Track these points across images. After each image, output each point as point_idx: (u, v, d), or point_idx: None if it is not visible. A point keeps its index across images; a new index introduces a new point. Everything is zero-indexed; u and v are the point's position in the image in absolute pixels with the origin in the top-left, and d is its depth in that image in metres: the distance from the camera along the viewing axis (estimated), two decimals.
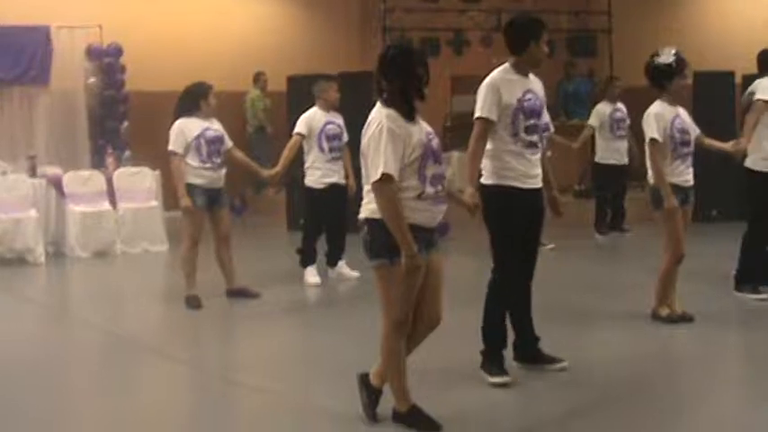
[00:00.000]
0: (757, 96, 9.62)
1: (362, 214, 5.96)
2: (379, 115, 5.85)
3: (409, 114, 5.90)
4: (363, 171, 5.97)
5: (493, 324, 7.19)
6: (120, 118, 16.55)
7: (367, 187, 5.93)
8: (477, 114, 7.01)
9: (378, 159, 5.72)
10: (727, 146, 9.19)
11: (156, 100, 15.61)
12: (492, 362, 7.14)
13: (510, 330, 7.41)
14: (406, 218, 5.77)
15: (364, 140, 5.86)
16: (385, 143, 5.72)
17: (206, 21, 18.40)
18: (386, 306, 5.98)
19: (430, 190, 5.91)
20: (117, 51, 16.51)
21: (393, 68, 5.95)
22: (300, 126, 10.85)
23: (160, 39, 17.51)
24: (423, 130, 5.96)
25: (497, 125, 6.98)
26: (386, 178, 5.70)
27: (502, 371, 7.09)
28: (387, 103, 5.89)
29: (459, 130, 13.36)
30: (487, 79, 7.05)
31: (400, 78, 5.91)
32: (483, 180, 7.08)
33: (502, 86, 7.00)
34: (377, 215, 5.82)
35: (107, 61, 16.51)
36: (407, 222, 5.76)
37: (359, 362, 6.62)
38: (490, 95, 6.96)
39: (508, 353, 7.39)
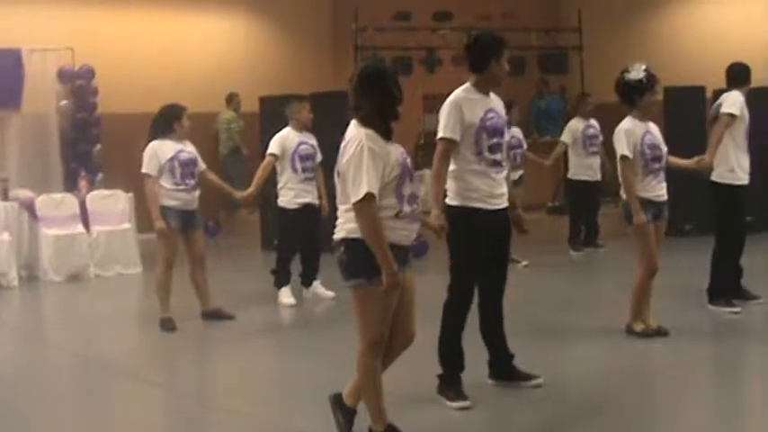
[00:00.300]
0: (723, 110, 9.69)
1: (338, 234, 5.94)
2: (358, 134, 5.83)
3: (387, 134, 5.91)
4: (339, 191, 5.95)
5: (450, 347, 7.15)
6: (93, 140, 16.50)
7: (343, 207, 5.92)
8: (440, 134, 7.00)
9: (359, 179, 5.70)
10: (691, 163, 9.26)
11: (129, 122, 15.62)
12: (449, 386, 7.09)
13: (483, 349, 7.40)
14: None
15: (343, 160, 5.83)
16: (366, 162, 5.71)
17: (177, 42, 18.39)
18: (362, 326, 5.97)
19: (407, 209, 5.90)
20: (89, 74, 16.48)
21: (371, 88, 5.93)
22: (274, 146, 10.84)
23: (132, 61, 17.48)
24: (398, 149, 5.97)
25: (461, 145, 6.96)
26: (368, 197, 5.68)
27: (460, 395, 7.03)
28: (364, 123, 5.88)
29: (432, 149, 13.29)
30: (450, 98, 7.03)
31: (378, 98, 5.91)
32: (448, 201, 7.05)
33: (464, 105, 6.97)
34: (353, 235, 5.81)
35: (79, 84, 16.48)
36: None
37: (335, 383, 6.60)
38: (453, 115, 6.94)
39: (482, 371, 7.39)
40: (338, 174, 5.93)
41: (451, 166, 7.02)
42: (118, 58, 17.14)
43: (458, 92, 7.06)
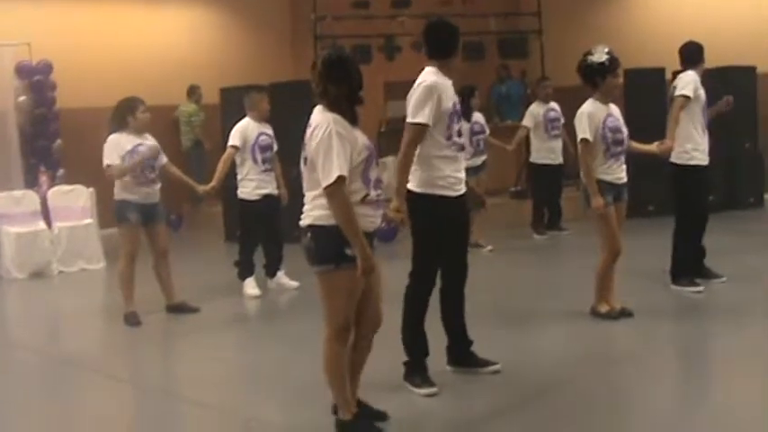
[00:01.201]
0: (677, 92, 9.80)
1: (305, 221, 5.93)
2: (325, 119, 5.81)
3: (353, 118, 5.91)
4: (306, 177, 5.94)
5: (413, 332, 7.16)
6: (52, 136, 16.37)
7: (310, 194, 5.91)
8: (414, 120, 6.88)
9: (330, 163, 5.69)
10: (653, 147, 9.30)
11: (89, 116, 15.54)
12: (416, 372, 7.11)
13: (443, 335, 7.42)
14: None
15: (312, 145, 5.81)
16: (336, 146, 5.70)
17: (137, 35, 18.29)
18: (328, 312, 5.96)
19: (373, 193, 5.92)
20: (47, 69, 16.34)
21: (336, 73, 5.93)
22: (234, 138, 10.80)
23: (91, 55, 17.37)
24: (363, 134, 5.98)
25: (433, 130, 6.91)
26: (340, 180, 5.68)
27: (426, 381, 7.06)
28: (331, 108, 5.87)
29: (394, 135, 13.34)
30: (426, 83, 6.91)
31: (343, 83, 5.91)
32: (412, 188, 6.98)
33: (441, 90, 6.93)
34: (321, 222, 5.81)
35: (37, 79, 16.33)
36: None
37: (303, 373, 6.61)
38: (430, 99, 6.86)
39: (441, 357, 7.39)
40: (305, 160, 5.92)
41: (417, 152, 6.97)
42: (76, 52, 17.03)
43: (431, 76, 6.97)
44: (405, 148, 6.91)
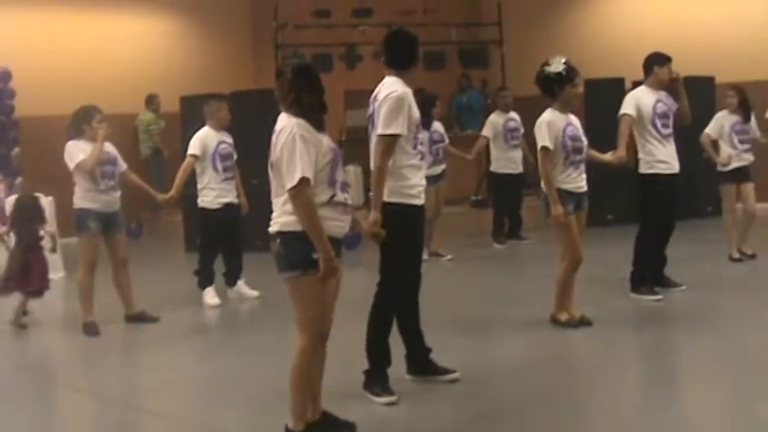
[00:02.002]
0: (622, 111, 9.98)
1: (273, 227, 5.92)
2: (289, 123, 5.83)
3: (320, 125, 5.93)
4: (273, 183, 5.94)
5: (379, 342, 7.15)
6: (11, 144, 16.26)
7: (278, 200, 5.91)
8: (388, 131, 6.85)
9: (293, 165, 5.70)
10: (608, 156, 9.40)
11: (48, 124, 15.36)
12: (376, 381, 7.09)
13: (401, 343, 7.41)
14: None
15: (276, 149, 5.83)
16: (300, 149, 5.71)
17: (96, 43, 18.20)
18: (305, 320, 5.94)
19: (340, 195, 5.93)
20: (6, 76, 16.26)
21: (304, 81, 5.96)
22: (194, 147, 10.76)
23: (50, 62, 17.28)
24: (328, 138, 6.00)
25: (402, 140, 6.92)
26: (303, 182, 5.69)
27: (386, 390, 7.04)
28: (297, 115, 5.88)
29: (354, 144, 13.36)
30: (399, 93, 6.89)
31: (311, 90, 5.94)
32: (384, 198, 6.95)
33: (411, 101, 6.96)
34: (289, 228, 5.81)
35: None
36: None
37: (263, 382, 6.58)
38: (403, 110, 6.87)
39: (400, 366, 7.39)
40: (272, 165, 5.92)
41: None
42: (35, 60, 16.93)
43: (400, 87, 6.97)
44: (379, 160, 6.89)
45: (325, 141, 5.92)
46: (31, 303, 10.62)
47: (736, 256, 11.99)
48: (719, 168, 11.98)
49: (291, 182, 5.71)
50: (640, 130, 9.97)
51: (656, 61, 10.11)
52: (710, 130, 12.11)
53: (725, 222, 12.18)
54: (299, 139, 5.74)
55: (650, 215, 10.11)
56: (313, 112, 5.92)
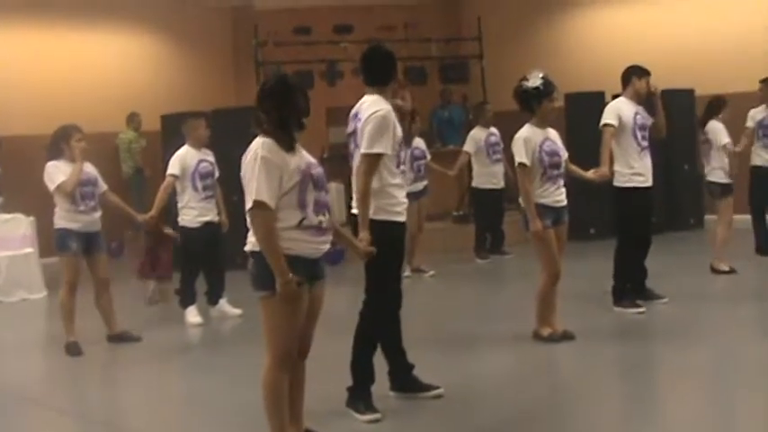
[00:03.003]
0: (601, 122, 10.01)
1: (248, 247, 5.91)
2: (255, 145, 5.83)
3: (289, 145, 5.89)
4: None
5: (363, 359, 7.14)
6: None
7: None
8: (373, 150, 6.85)
9: (251, 187, 5.71)
10: (589, 174, 9.42)
11: (29, 144, 15.32)
12: (359, 398, 7.08)
13: (383, 360, 7.40)
14: (288, 249, 5.74)
15: (243, 170, 5.84)
16: (258, 171, 5.70)
17: (76, 61, 18.15)
18: (269, 339, 5.92)
19: (312, 218, 5.88)
20: None
21: (272, 100, 5.93)
22: (173, 167, 10.72)
23: (31, 82, 17.22)
24: (303, 158, 5.94)
25: (386, 158, 6.92)
26: (258, 205, 5.69)
27: (369, 407, 7.03)
28: (266, 134, 5.87)
29: (336, 161, 13.37)
30: (382, 113, 6.90)
31: (278, 110, 5.90)
32: (372, 215, 6.94)
33: (393, 119, 6.96)
34: (259, 247, 5.80)
35: None
36: (289, 253, 5.74)
37: (247, 401, 6.55)
38: (387, 129, 6.87)
39: (383, 383, 7.38)
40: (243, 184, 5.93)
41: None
42: (16, 79, 16.88)
43: (383, 104, 6.98)
44: (363, 178, 6.90)
45: (294, 162, 5.86)
46: (12, 324, 10.56)
47: (726, 268, 11.94)
48: (728, 180, 11.95)
49: (248, 204, 5.74)
50: (621, 140, 9.99)
51: (635, 73, 10.16)
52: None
53: (722, 236, 12.06)
54: (260, 160, 5.73)
55: (627, 228, 10.15)
56: (278, 132, 5.88)
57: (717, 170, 11.92)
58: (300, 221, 5.85)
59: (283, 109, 5.93)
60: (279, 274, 5.68)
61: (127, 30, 19.15)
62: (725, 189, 11.95)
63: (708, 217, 16.10)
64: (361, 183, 6.92)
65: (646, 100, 10.20)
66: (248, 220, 5.84)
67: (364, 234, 6.80)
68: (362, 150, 6.92)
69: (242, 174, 5.85)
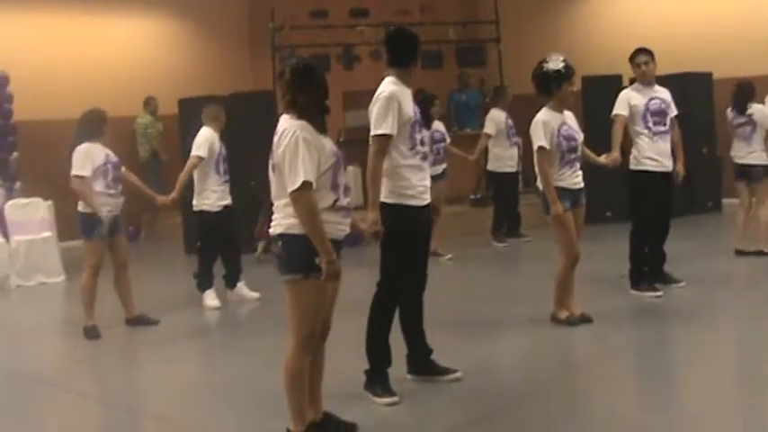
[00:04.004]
0: (614, 112, 10.08)
1: (276, 229, 5.91)
2: (291, 126, 5.80)
3: (322, 127, 5.91)
4: (275, 185, 5.92)
5: (378, 342, 7.14)
6: (9, 149, 16.23)
7: (279, 202, 5.89)
8: (378, 131, 6.87)
9: (296, 168, 5.69)
10: (601, 159, 9.43)
11: (46, 129, 15.47)
12: (377, 381, 7.09)
13: (403, 343, 7.41)
14: None
15: (278, 152, 5.80)
16: (302, 152, 5.69)
17: (94, 46, 18.20)
18: (295, 322, 5.92)
19: (343, 199, 5.92)
20: (3, 80, 16.21)
21: (305, 82, 5.93)
22: (202, 149, 10.70)
23: (48, 66, 17.27)
24: (330, 141, 5.98)
25: (396, 140, 6.91)
26: (305, 186, 5.67)
27: (387, 390, 7.04)
28: (299, 116, 5.85)
29: (353, 145, 13.37)
30: (385, 93, 6.91)
31: (312, 91, 5.91)
32: (381, 198, 6.95)
33: (401, 99, 6.93)
34: (292, 230, 5.79)
35: None
36: None
37: (266, 384, 6.56)
38: (391, 110, 6.85)
39: (401, 366, 7.39)
40: (273, 167, 5.91)
41: (384, 163, 6.96)
42: (33, 64, 16.91)
43: (390, 86, 6.97)
44: (372, 160, 6.91)
45: (328, 144, 5.90)
46: (30, 308, 10.57)
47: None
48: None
49: (293, 185, 5.69)
50: (632, 126, 10.05)
51: (630, 59, 10.19)
52: None
53: (766, 217, 11.91)
54: (302, 141, 5.72)
55: (639, 211, 10.17)
56: (312, 114, 5.89)
57: (758, 152, 11.83)
58: (335, 202, 5.87)
59: (317, 91, 5.94)
60: (325, 254, 5.69)
61: (144, 14, 19.19)
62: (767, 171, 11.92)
63: (726, 200, 16.06)
64: (370, 164, 6.93)
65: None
66: (282, 202, 5.83)
67: (372, 215, 6.81)
68: (371, 132, 6.94)
69: (277, 157, 5.82)
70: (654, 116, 9.97)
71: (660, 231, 10.26)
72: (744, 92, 11.89)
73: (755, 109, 11.81)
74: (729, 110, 11.97)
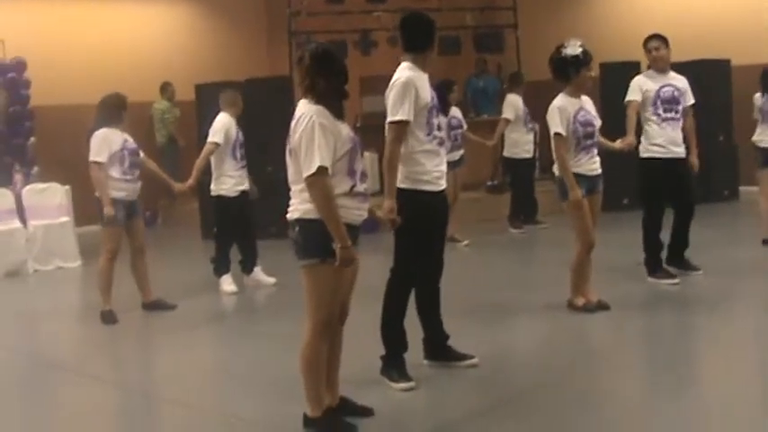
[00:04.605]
0: (627, 98, 10.12)
1: (293, 215, 5.92)
2: (308, 110, 5.81)
3: (339, 112, 5.92)
4: (291, 170, 5.93)
5: (393, 327, 7.15)
6: (27, 134, 16.24)
7: (296, 187, 5.90)
8: (395, 118, 6.85)
9: (312, 153, 5.69)
10: (616, 144, 9.45)
11: (63, 114, 15.50)
12: (393, 367, 7.09)
13: (419, 329, 7.42)
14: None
15: (295, 137, 5.81)
16: (318, 137, 5.70)
17: (110, 32, 18.20)
18: (313, 307, 5.94)
19: (360, 185, 5.93)
20: (20, 66, 16.22)
21: (324, 67, 5.93)
22: (219, 135, 10.71)
23: (64, 52, 17.27)
24: (347, 126, 5.98)
25: (413, 125, 6.90)
26: (321, 171, 5.68)
27: (403, 375, 7.05)
28: (317, 101, 5.86)
29: (370, 131, 13.34)
30: (402, 79, 6.89)
31: (331, 76, 5.91)
32: (398, 184, 6.95)
33: (418, 85, 6.90)
34: (309, 215, 5.80)
35: (10, 77, 16.20)
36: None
37: (283, 369, 6.57)
38: (408, 96, 6.84)
39: (418, 351, 7.39)
40: (290, 152, 5.91)
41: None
42: (50, 49, 16.92)
43: (406, 72, 6.95)
44: (389, 146, 6.89)
45: (345, 130, 5.90)
46: (47, 292, 10.58)
47: None
48: None
49: (309, 170, 5.70)
50: (642, 113, 10.06)
51: (643, 45, 10.19)
52: None
53: None
54: (318, 126, 5.73)
55: (648, 198, 10.21)
56: (330, 99, 5.89)
57: None
58: (351, 188, 5.88)
59: (336, 76, 5.94)
60: (340, 240, 5.70)
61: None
62: None
63: (743, 188, 16.01)
64: (387, 151, 6.91)
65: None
66: (299, 187, 5.84)
67: (388, 202, 6.81)
68: (387, 119, 6.93)
69: (294, 142, 5.83)
70: (664, 103, 9.98)
71: (683, 214, 10.21)
72: None
73: None
74: (759, 95, 11.86)
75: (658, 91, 9.97)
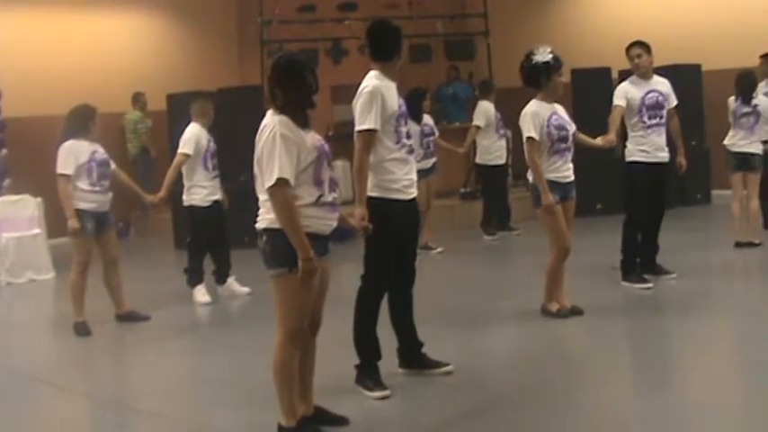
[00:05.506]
0: (614, 103, 10.12)
1: (260, 224, 5.91)
2: (271, 121, 5.81)
3: (304, 122, 5.90)
4: (258, 179, 5.92)
5: (366, 336, 7.15)
6: None
7: (264, 197, 5.88)
8: (362, 126, 6.86)
9: (272, 164, 5.69)
10: (597, 141, 9.48)
11: (35, 125, 15.41)
12: (367, 376, 7.09)
13: (394, 337, 7.41)
14: (305, 226, 5.75)
15: (258, 147, 5.82)
16: (279, 148, 5.69)
17: (81, 42, 18.11)
18: (282, 316, 5.93)
19: (328, 195, 5.92)
20: None
21: (287, 77, 5.92)
22: (189, 146, 10.67)
23: (35, 63, 17.16)
24: (315, 136, 5.97)
25: (381, 134, 6.90)
26: (281, 182, 5.68)
27: (378, 384, 7.05)
28: (281, 111, 5.85)
29: (342, 139, 13.35)
30: (368, 88, 6.89)
31: (292, 87, 5.89)
32: (368, 192, 6.95)
33: (385, 93, 6.91)
34: (275, 225, 5.78)
35: None
36: (307, 231, 5.75)
37: (257, 380, 6.55)
38: (376, 105, 6.84)
39: (392, 360, 7.39)
40: (257, 162, 5.91)
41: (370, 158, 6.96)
42: (21, 60, 16.82)
43: (373, 81, 6.95)
44: (358, 155, 6.89)
45: (310, 140, 5.88)
46: (20, 305, 10.51)
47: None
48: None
49: (269, 181, 5.70)
50: (628, 119, 10.12)
51: (625, 51, 10.24)
52: None
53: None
54: (280, 137, 5.72)
55: (630, 202, 10.25)
56: (293, 109, 5.88)
57: (757, 142, 11.88)
58: (318, 198, 5.87)
59: (299, 86, 5.92)
60: (301, 251, 5.68)
61: (131, 9, 19.12)
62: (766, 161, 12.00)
63: (715, 192, 16.09)
64: (356, 159, 6.91)
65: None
66: (266, 197, 5.82)
67: (360, 210, 6.81)
68: (355, 128, 6.93)
69: (258, 152, 5.84)
70: (649, 110, 10.04)
71: (653, 220, 10.28)
72: (748, 82, 11.92)
73: (761, 100, 11.86)
74: (732, 99, 11.95)
75: (643, 98, 10.03)
